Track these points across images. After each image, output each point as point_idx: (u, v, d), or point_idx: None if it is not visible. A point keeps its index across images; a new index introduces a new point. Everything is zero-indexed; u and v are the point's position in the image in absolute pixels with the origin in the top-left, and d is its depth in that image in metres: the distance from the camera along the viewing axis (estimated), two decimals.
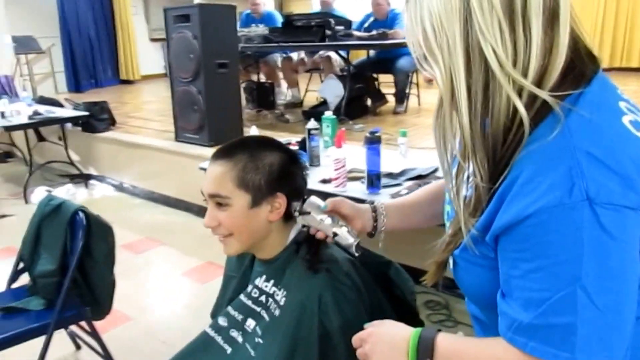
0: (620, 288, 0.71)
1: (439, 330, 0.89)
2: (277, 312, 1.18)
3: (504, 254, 0.78)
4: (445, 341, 0.87)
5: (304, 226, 1.23)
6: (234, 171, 1.14)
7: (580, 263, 0.69)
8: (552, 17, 0.74)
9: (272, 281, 1.22)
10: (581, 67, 0.78)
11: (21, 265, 2.24)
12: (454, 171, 0.85)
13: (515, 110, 0.74)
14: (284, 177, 1.18)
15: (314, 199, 1.21)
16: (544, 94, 0.74)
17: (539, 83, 0.75)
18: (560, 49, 0.75)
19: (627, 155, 0.72)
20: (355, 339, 0.99)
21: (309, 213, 1.19)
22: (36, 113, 4.95)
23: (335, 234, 1.16)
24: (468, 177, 0.84)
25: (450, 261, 0.93)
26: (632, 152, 0.72)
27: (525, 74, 0.74)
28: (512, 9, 0.72)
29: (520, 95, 0.75)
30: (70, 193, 5.00)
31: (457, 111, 0.77)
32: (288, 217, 1.23)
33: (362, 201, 1.28)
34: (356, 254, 1.17)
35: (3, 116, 4.97)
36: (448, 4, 0.74)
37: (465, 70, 0.75)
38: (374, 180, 2.43)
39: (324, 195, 1.25)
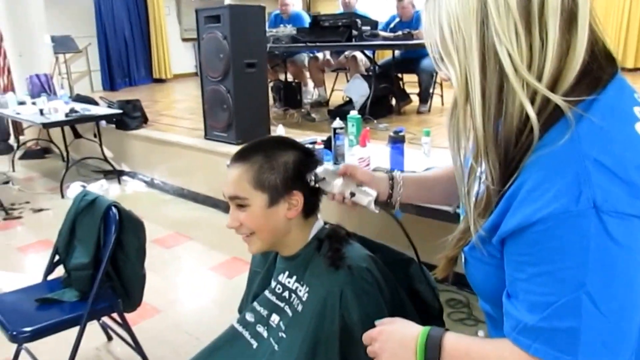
0: (626, 295, 0.71)
1: (447, 330, 0.91)
2: (299, 308, 1.20)
3: (510, 257, 0.79)
4: (452, 340, 0.88)
5: (320, 190, 1.24)
6: (250, 172, 1.18)
7: (586, 269, 0.69)
8: (570, 19, 0.73)
9: (294, 277, 1.25)
10: (598, 72, 0.76)
11: (57, 257, 2.33)
12: (466, 171, 0.86)
13: (526, 115, 0.75)
14: (299, 174, 1.21)
15: (327, 165, 1.23)
16: (557, 99, 0.73)
17: (553, 86, 0.74)
18: (577, 52, 0.73)
19: (637, 164, 0.71)
20: (366, 337, 1.01)
21: (324, 179, 1.21)
22: (73, 111, 5.10)
23: (352, 194, 1.17)
24: (480, 178, 0.84)
25: (462, 257, 0.94)
26: None
27: (540, 77, 0.73)
28: (528, 10, 0.72)
29: (533, 98, 0.74)
30: (103, 188, 5.13)
31: (471, 112, 0.77)
32: (308, 213, 1.26)
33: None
34: (376, 211, 1.17)
35: (42, 113, 5.14)
36: (466, 6, 0.74)
37: (480, 72, 0.75)
38: None
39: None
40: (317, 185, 1.21)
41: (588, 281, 0.70)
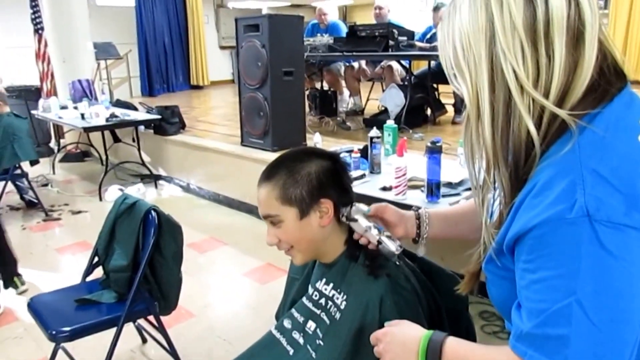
0: (617, 306, 0.70)
1: (449, 335, 0.92)
2: (337, 316, 1.20)
3: (517, 265, 0.80)
4: (453, 345, 0.90)
5: (351, 231, 1.26)
6: (276, 190, 1.20)
7: (577, 278, 0.70)
8: (576, 37, 0.74)
9: (331, 284, 1.25)
10: (605, 86, 0.77)
11: (96, 259, 2.37)
12: (480, 184, 0.89)
13: (527, 131, 0.77)
14: (323, 183, 1.21)
15: (360, 205, 1.25)
16: (562, 113, 0.75)
17: (561, 100, 0.76)
18: (584, 69, 0.75)
19: (636, 175, 0.72)
20: (373, 337, 1.04)
21: (356, 220, 1.23)
22: (113, 115, 5.21)
23: (379, 242, 1.19)
24: (495, 192, 0.87)
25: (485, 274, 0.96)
26: None
27: (547, 93, 0.75)
28: (534, 29, 0.74)
29: (541, 113, 0.76)
30: (140, 192, 5.20)
31: (482, 128, 0.80)
32: (339, 218, 1.26)
33: (407, 207, 1.31)
34: (397, 263, 1.22)
35: (83, 118, 5.27)
36: (475, 24, 0.77)
37: (489, 88, 0.78)
38: (433, 189, 2.45)
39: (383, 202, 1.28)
40: (348, 223, 1.23)
41: (579, 289, 0.70)
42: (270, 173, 1.23)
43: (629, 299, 0.71)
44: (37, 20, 6.78)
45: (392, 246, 1.18)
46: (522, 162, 0.80)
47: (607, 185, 0.71)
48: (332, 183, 1.23)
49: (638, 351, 0.74)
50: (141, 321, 2.50)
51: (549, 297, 0.73)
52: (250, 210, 4.52)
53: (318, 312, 1.25)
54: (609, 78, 0.78)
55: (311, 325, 1.26)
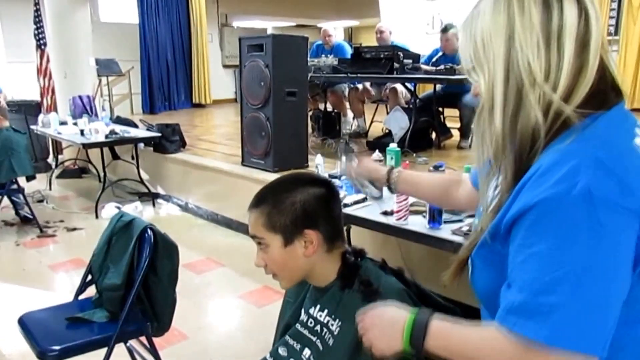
0: (607, 282, 0.76)
1: (434, 312, 0.97)
2: (330, 342, 1.19)
3: (512, 245, 0.84)
4: (439, 323, 0.94)
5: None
6: (262, 217, 1.22)
7: (573, 251, 0.76)
8: (583, 43, 0.83)
9: (326, 310, 1.24)
10: (604, 95, 0.86)
11: (89, 277, 2.31)
12: (487, 169, 0.96)
13: (536, 120, 0.84)
14: (309, 212, 1.22)
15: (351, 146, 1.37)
16: (567, 109, 0.82)
17: (566, 99, 0.83)
18: (588, 73, 0.83)
19: (632, 167, 0.80)
20: (358, 315, 1.06)
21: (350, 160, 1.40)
22: (112, 132, 5.18)
23: (365, 186, 1.50)
24: (497, 179, 0.93)
25: (469, 266, 1.00)
26: (637, 166, 0.80)
27: (555, 89, 0.83)
28: (549, 30, 0.83)
29: (549, 106, 0.84)
30: (137, 210, 5.15)
31: (494, 117, 0.88)
32: (330, 247, 1.26)
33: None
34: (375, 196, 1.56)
35: (82, 134, 5.24)
36: (497, 23, 0.86)
37: (504, 80, 0.86)
38: (435, 215, 2.39)
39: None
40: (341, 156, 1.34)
41: (574, 262, 0.76)
42: (258, 200, 1.26)
43: (617, 274, 0.77)
44: (40, 35, 6.82)
45: (374, 192, 1.47)
46: (527, 151, 0.86)
47: (608, 171, 0.77)
48: (319, 212, 1.23)
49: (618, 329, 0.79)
50: (133, 342, 2.42)
51: (545, 268, 0.78)
52: (248, 231, 4.45)
53: (314, 339, 1.25)
54: (608, 89, 0.87)
55: (307, 352, 1.25)
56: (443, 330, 0.94)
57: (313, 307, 1.28)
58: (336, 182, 3.24)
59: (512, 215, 0.83)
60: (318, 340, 1.23)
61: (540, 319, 0.77)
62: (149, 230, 2.09)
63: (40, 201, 5.59)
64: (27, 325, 2.09)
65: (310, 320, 1.27)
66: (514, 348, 0.81)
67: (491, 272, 0.92)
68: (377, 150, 3.28)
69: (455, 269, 1.03)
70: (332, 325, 1.21)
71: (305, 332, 1.27)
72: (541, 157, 0.84)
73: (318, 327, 1.24)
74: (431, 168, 2.80)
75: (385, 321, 1.01)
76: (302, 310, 1.32)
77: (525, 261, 0.81)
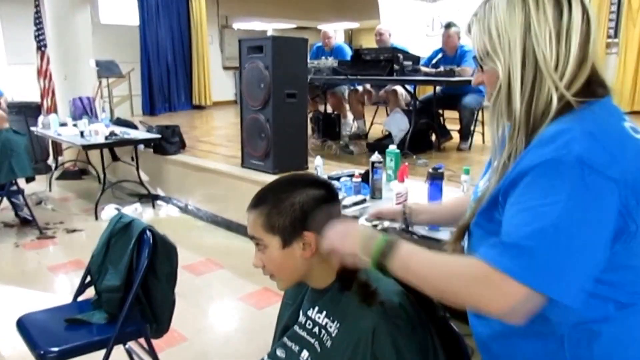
0: (586, 239, 0.86)
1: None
2: (328, 343, 1.18)
3: (509, 203, 0.95)
4: (406, 244, 1.03)
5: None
6: (261, 218, 1.21)
7: (558, 207, 0.86)
8: (585, 39, 0.97)
9: (324, 312, 1.23)
10: (595, 88, 0.98)
11: (88, 278, 2.31)
12: (499, 145, 1.05)
13: (550, 101, 0.96)
14: (308, 214, 1.21)
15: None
16: (568, 95, 0.95)
17: (569, 86, 0.96)
18: (588, 65, 0.97)
19: (619, 142, 0.92)
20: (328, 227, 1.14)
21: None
22: (112, 134, 5.18)
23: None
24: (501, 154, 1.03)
25: (467, 236, 1.11)
26: (624, 144, 0.93)
27: (561, 77, 0.96)
28: (560, 25, 0.96)
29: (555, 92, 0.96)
30: (137, 212, 5.14)
31: (512, 97, 0.99)
32: None
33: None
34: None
35: (82, 135, 5.23)
36: (513, 16, 0.99)
37: (521, 67, 0.98)
38: None
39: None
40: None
41: (559, 216, 0.85)
42: (257, 201, 1.25)
43: (595, 234, 0.87)
44: (41, 37, 6.81)
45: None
46: (538, 127, 0.97)
47: (599, 144, 0.89)
48: (316, 217, 1.22)
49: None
50: (132, 344, 2.42)
51: (531, 220, 0.87)
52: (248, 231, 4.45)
53: (312, 341, 1.23)
54: (597, 82, 1.00)
55: (305, 354, 1.24)
56: (409, 250, 1.02)
57: (311, 309, 1.27)
58: (335, 184, 3.24)
59: (511, 178, 0.94)
60: (316, 342, 1.22)
61: (517, 256, 0.87)
62: (148, 232, 2.08)
63: (39, 203, 5.58)
64: (26, 326, 2.08)
65: (309, 322, 1.26)
66: (484, 274, 0.89)
67: (488, 241, 0.96)
68: (376, 152, 3.27)
69: (456, 235, 1.14)
70: (331, 327, 1.20)
71: (304, 333, 1.26)
72: (543, 131, 0.95)
73: (316, 329, 1.23)
74: (430, 170, 2.79)
75: (354, 229, 1.11)
76: (301, 312, 1.31)
77: (514, 215, 0.91)
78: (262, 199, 1.24)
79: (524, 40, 0.98)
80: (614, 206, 0.88)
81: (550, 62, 0.96)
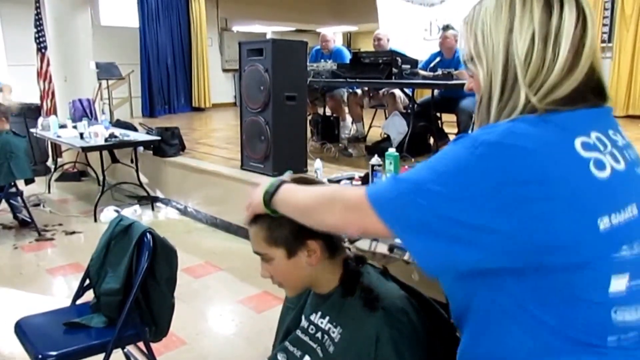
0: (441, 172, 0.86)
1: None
2: (330, 349, 1.18)
3: None
4: (290, 184, 1.11)
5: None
6: (262, 232, 1.21)
7: (437, 166, 0.86)
8: (578, 45, 0.87)
9: (327, 317, 1.23)
10: (579, 96, 0.88)
11: (87, 282, 2.30)
12: None
13: (517, 105, 0.88)
14: None
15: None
16: (534, 99, 0.86)
17: (548, 93, 0.86)
18: (576, 74, 0.87)
19: (541, 159, 0.80)
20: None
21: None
22: (112, 136, 5.17)
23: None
24: None
25: None
26: (551, 160, 0.81)
27: (542, 84, 0.86)
28: (548, 29, 0.86)
29: (528, 99, 0.87)
30: (136, 214, 5.14)
31: (491, 106, 0.91)
32: (332, 254, 1.24)
33: None
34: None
35: (82, 137, 5.23)
36: (499, 19, 0.90)
37: (502, 73, 0.89)
38: None
39: None
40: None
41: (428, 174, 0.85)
42: (255, 216, 1.23)
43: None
44: (41, 39, 6.81)
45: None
46: None
47: (508, 148, 0.81)
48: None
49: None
50: (130, 347, 2.40)
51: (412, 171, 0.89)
52: (248, 235, 4.42)
53: (314, 346, 1.23)
54: (586, 92, 0.89)
55: (306, 359, 1.24)
56: (292, 187, 1.10)
57: (314, 314, 1.27)
58: None
59: None
60: (318, 347, 1.22)
61: (376, 184, 0.92)
62: (148, 235, 2.07)
63: (37, 205, 5.56)
64: (24, 330, 2.07)
65: (311, 326, 1.26)
66: (355, 196, 0.93)
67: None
68: (376, 155, 3.28)
69: None
70: (333, 332, 1.20)
71: (306, 338, 1.26)
72: None
73: (319, 334, 1.23)
74: None
75: (264, 183, 1.14)
76: (303, 317, 1.31)
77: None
78: (260, 213, 1.23)
79: (507, 44, 0.89)
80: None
81: (524, 67, 0.87)
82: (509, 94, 0.89)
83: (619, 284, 0.83)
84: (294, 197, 1.08)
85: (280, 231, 1.19)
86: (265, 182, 1.14)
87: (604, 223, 0.80)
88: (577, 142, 0.84)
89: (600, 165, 0.83)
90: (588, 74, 0.88)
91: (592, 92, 0.90)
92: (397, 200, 0.87)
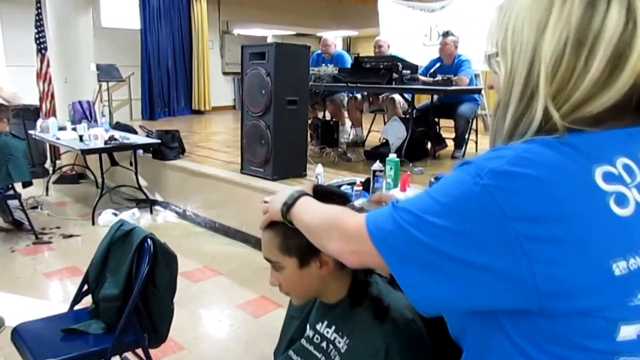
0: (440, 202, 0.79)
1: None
2: (336, 359, 1.17)
3: None
4: (306, 198, 1.08)
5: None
6: (277, 239, 1.18)
7: (437, 197, 0.77)
8: (619, 56, 0.72)
9: (333, 327, 1.22)
10: (615, 114, 0.75)
11: (85, 287, 2.28)
12: None
13: (533, 119, 0.77)
14: None
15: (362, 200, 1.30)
16: (556, 115, 0.74)
17: (578, 107, 0.74)
18: (615, 87, 0.72)
19: (553, 190, 0.70)
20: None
21: (362, 209, 1.23)
22: (112, 138, 5.14)
23: None
24: None
25: None
26: (564, 191, 0.70)
27: (569, 96, 0.74)
28: (585, 31, 0.72)
29: (548, 112, 0.75)
30: (135, 217, 5.11)
31: (507, 113, 0.80)
32: (344, 265, 1.20)
33: None
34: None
35: (81, 140, 5.20)
36: (532, 13, 0.77)
37: (525, 78, 0.77)
38: None
39: None
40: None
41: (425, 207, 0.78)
42: (272, 221, 1.20)
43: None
44: (41, 40, 6.79)
45: None
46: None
47: (515, 178, 0.71)
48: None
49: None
50: (128, 353, 2.39)
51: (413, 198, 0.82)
52: (247, 239, 4.43)
53: (319, 355, 1.22)
54: (625, 111, 0.75)
55: None
56: (308, 201, 1.07)
57: (320, 323, 1.25)
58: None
59: None
60: (323, 357, 1.21)
61: (382, 210, 0.84)
62: (148, 240, 2.06)
63: (34, 207, 5.52)
64: (22, 336, 2.05)
65: (317, 336, 1.25)
66: (353, 225, 0.88)
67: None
68: (377, 161, 3.26)
69: None
70: (339, 342, 1.19)
71: (311, 348, 1.25)
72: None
73: (324, 344, 1.22)
74: (432, 179, 2.78)
75: (284, 192, 1.11)
76: (308, 326, 1.29)
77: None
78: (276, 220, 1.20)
79: (536, 45, 0.76)
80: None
81: (550, 76, 0.74)
82: (526, 104, 0.78)
83: (628, 330, 0.72)
84: (303, 216, 1.05)
85: (296, 240, 1.15)
86: (285, 191, 1.12)
87: (619, 267, 0.69)
88: (598, 173, 0.72)
89: (623, 201, 0.71)
90: (628, 93, 0.73)
91: (630, 111, 0.76)
92: (395, 232, 0.79)
